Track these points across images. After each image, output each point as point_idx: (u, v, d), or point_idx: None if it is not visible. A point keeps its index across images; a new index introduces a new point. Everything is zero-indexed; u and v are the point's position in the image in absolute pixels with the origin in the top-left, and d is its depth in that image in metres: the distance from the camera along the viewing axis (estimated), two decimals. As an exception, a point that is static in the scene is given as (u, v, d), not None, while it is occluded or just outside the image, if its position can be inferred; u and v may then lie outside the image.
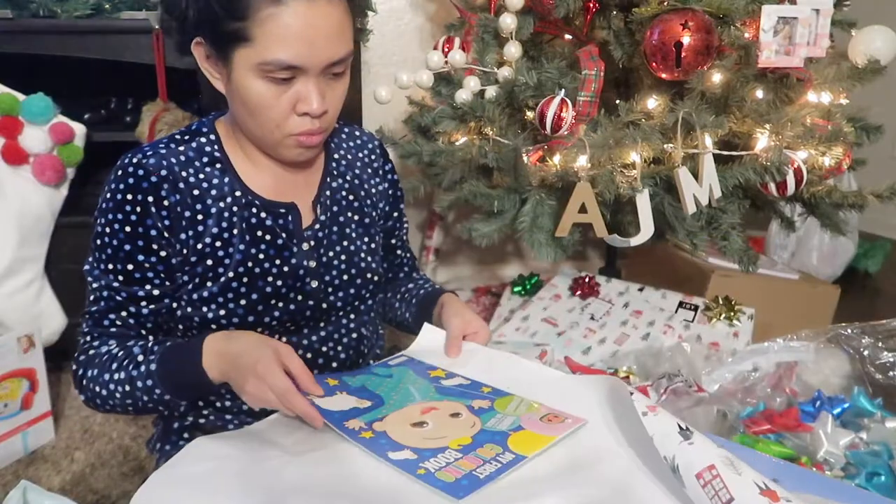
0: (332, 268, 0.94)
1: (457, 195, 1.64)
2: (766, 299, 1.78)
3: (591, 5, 1.63)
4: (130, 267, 0.84)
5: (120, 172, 0.84)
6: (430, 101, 1.77)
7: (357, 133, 1.03)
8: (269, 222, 0.89)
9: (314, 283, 0.92)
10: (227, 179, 0.88)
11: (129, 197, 0.82)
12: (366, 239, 0.98)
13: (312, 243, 0.92)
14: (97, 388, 0.84)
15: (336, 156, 0.98)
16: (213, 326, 0.87)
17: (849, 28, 1.58)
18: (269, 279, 0.89)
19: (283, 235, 0.90)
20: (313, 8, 0.76)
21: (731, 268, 1.79)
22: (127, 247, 0.83)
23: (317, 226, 0.93)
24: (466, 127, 1.64)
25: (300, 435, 0.73)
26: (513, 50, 1.60)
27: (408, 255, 1.14)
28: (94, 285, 0.86)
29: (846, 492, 0.86)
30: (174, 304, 0.88)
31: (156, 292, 0.86)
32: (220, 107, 0.92)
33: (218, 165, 0.88)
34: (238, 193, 0.88)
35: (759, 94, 1.45)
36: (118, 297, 0.85)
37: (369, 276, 0.98)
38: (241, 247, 0.87)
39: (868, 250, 2.68)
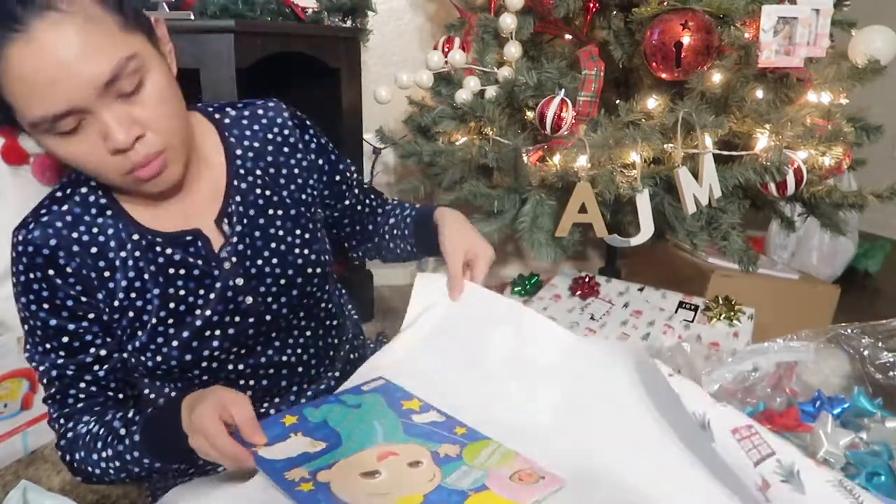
0: (265, 276, 0.86)
1: (457, 195, 1.64)
2: (766, 299, 1.78)
3: (591, 5, 1.63)
4: (66, 339, 0.79)
5: (14, 254, 0.78)
6: (430, 101, 1.77)
7: (261, 112, 0.90)
8: (177, 256, 0.82)
9: (248, 300, 0.85)
10: (121, 225, 0.80)
11: (31, 276, 0.77)
12: (297, 231, 0.89)
13: (234, 259, 0.84)
14: (90, 469, 0.80)
15: (239, 151, 0.87)
16: (158, 372, 0.83)
17: (849, 28, 1.59)
18: (197, 312, 0.82)
19: (199, 263, 0.83)
20: (36, 46, 0.62)
21: (731, 268, 1.79)
22: (53, 322, 0.78)
23: (234, 239, 0.84)
24: (466, 127, 1.64)
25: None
26: (513, 50, 1.60)
27: (372, 197, 1.05)
28: (41, 369, 0.81)
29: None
30: (126, 357, 0.83)
31: (102, 352, 0.81)
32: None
33: (108, 212, 0.80)
34: (136, 236, 0.80)
35: (759, 94, 1.45)
36: (69, 372, 0.80)
37: (311, 270, 0.90)
38: (157, 290, 0.81)
39: (868, 250, 2.68)
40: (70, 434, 0.81)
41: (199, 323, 0.82)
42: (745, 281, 1.78)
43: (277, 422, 0.75)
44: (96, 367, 0.81)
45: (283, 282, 0.87)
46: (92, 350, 0.80)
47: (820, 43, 1.42)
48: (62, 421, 0.82)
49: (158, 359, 0.82)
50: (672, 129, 1.39)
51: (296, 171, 0.90)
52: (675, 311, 1.65)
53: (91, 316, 0.80)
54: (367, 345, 1.11)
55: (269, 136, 0.89)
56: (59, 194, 0.81)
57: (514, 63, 1.59)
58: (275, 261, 0.87)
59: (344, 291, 1.08)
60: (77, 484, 1.38)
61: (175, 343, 0.81)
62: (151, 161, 0.71)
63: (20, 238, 0.77)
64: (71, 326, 0.79)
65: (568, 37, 1.77)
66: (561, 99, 1.40)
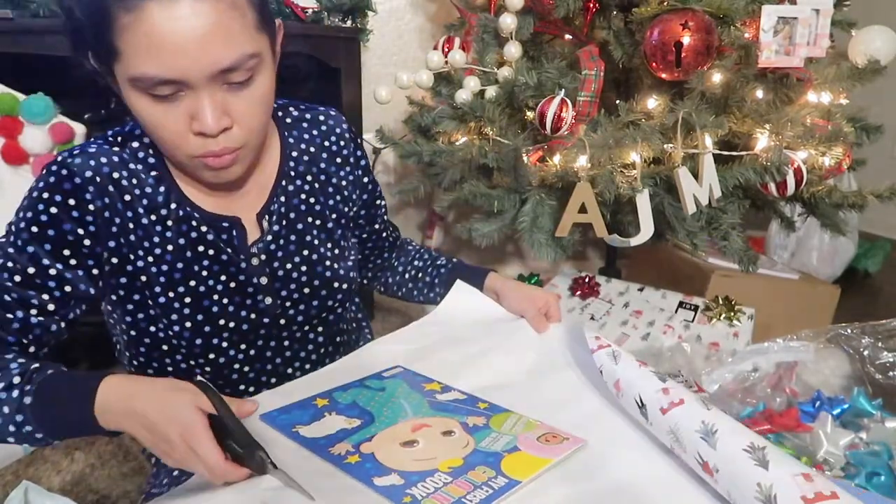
0: (291, 281, 0.85)
1: (457, 195, 1.64)
2: (766, 299, 1.78)
3: (591, 5, 1.63)
4: (31, 270, 0.73)
5: (44, 171, 0.76)
6: (430, 101, 1.77)
7: (322, 118, 0.91)
8: (210, 237, 0.80)
9: (268, 300, 0.84)
10: (162, 189, 0.79)
11: (45, 196, 0.74)
12: (329, 245, 0.90)
13: (263, 257, 0.84)
14: None
15: (294, 153, 0.88)
16: (162, 348, 0.81)
17: (849, 28, 1.59)
18: (215, 297, 0.81)
19: (228, 251, 0.81)
20: (173, 9, 0.63)
21: (731, 268, 1.79)
22: (30, 248, 0.73)
23: (268, 237, 0.84)
24: (466, 127, 1.64)
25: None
26: (513, 50, 1.60)
27: (391, 229, 1.07)
28: None
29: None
30: (62, 325, 0.77)
31: (50, 307, 0.74)
32: None
33: (153, 172, 0.79)
34: (174, 205, 0.79)
35: (759, 94, 1.45)
36: (6, 297, 0.72)
37: (336, 284, 0.89)
38: (180, 265, 0.79)
39: (868, 250, 2.68)
40: None
41: (214, 309, 0.81)
42: (745, 281, 1.78)
43: (310, 403, 0.78)
44: (33, 312, 0.73)
45: (306, 290, 0.87)
46: (44, 296, 0.74)
47: (820, 43, 1.42)
48: None
49: (170, 333, 0.80)
50: (672, 129, 1.39)
51: (343, 183, 0.92)
52: (675, 311, 1.65)
53: (72, 263, 0.75)
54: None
55: (326, 143, 0.90)
56: (111, 137, 0.79)
57: (514, 63, 1.59)
58: (303, 268, 0.87)
59: (363, 313, 1.08)
60: (77, 483, 1.38)
61: (188, 324, 0.80)
62: (225, 154, 0.72)
63: (58, 159, 0.76)
64: (45, 261, 0.73)
65: (568, 37, 1.77)
66: (561, 99, 1.40)
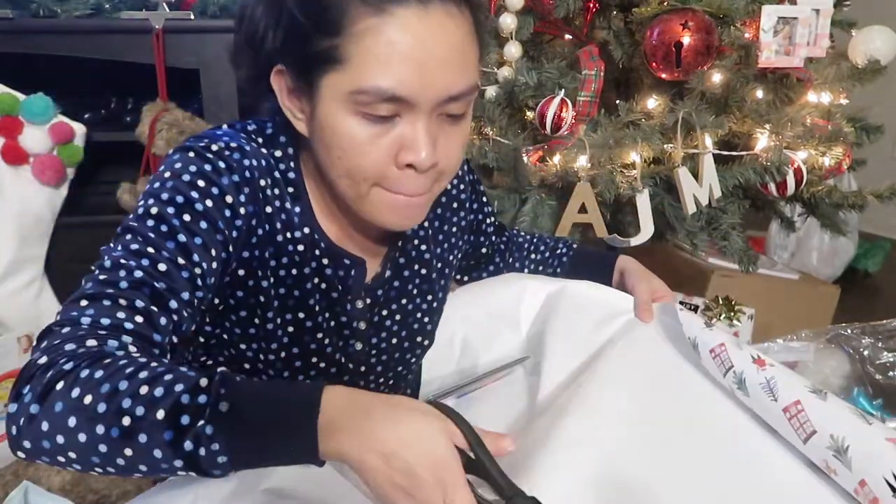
0: (383, 329, 0.80)
1: (457, 195, 1.63)
2: (766, 299, 1.78)
3: (591, 5, 1.63)
4: (181, 260, 0.60)
5: (193, 154, 0.64)
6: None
7: None
8: (328, 271, 0.74)
9: (359, 346, 0.79)
10: (297, 210, 0.71)
11: (202, 184, 0.63)
12: (429, 297, 0.84)
13: (368, 301, 0.78)
14: (62, 427, 0.50)
15: None
16: (247, 366, 0.74)
17: (849, 28, 1.59)
18: (319, 335, 0.75)
19: (339, 289, 0.75)
20: (427, 19, 0.57)
21: (731, 268, 1.79)
22: (183, 238, 0.61)
23: (377, 282, 0.78)
24: (466, 127, 1.64)
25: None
26: (513, 50, 1.60)
27: (499, 236, 1.00)
28: (107, 264, 0.59)
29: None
30: (189, 338, 0.70)
31: (191, 300, 0.61)
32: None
33: (290, 189, 0.71)
34: (307, 230, 0.71)
35: (759, 94, 1.45)
36: (156, 284, 0.58)
37: (419, 339, 0.84)
38: (297, 292, 0.72)
39: (868, 250, 2.68)
40: (69, 365, 0.51)
41: (312, 346, 0.75)
42: (745, 281, 1.78)
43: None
44: (174, 307, 0.59)
45: (394, 341, 0.82)
46: (185, 295, 0.60)
47: (820, 43, 1.42)
48: (69, 345, 0.53)
49: (261, 357, 0.74)
50: (672, 129, 1.39)
51: (454, 229, 0.86)
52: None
53: (214, 265, 0.64)
54: None
55: (449, 187, 0.84)
56: (254, 134, 0.70)
57: (514, 63, 1.58)
58: (397, 317, 0.81)
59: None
60: (77, 483, 1.38)
61: (283, 354, 0.75)
62: (421, 195, 0.65)
63: (213, 147, 0.65)
64: (196, 257, 0.61)
65: (568, 37, 1.76)
66: (561, 99, 1.40)
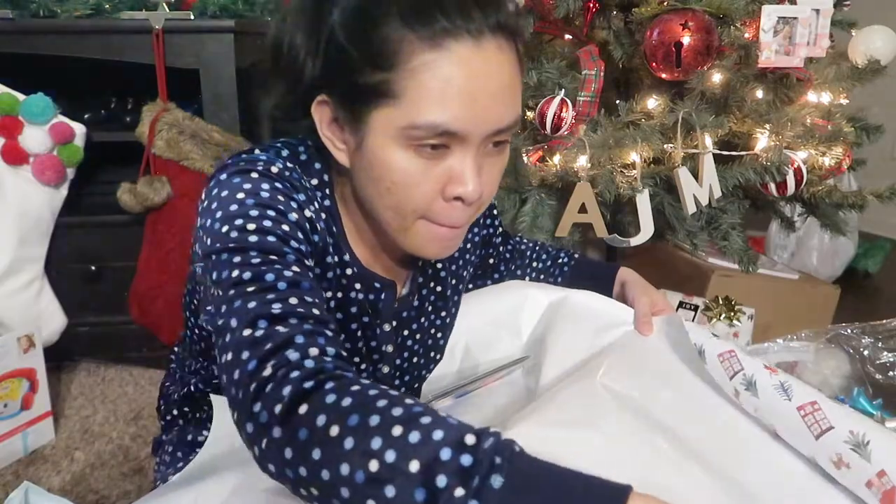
0: (405, 349, 0.81)
1: (457, 195, 1.63)
2: (766, 299, 1.78)
3: (591, 5, 1.63)
4: (307, 285, 0.59)
5: (256, 175, 0.63)
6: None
7: None
8: (360, 296, 0.73)
9: (385, 369, 0.78)
10: (330, 234, 0.70)
11: (282, 198, 0.63)
12: (443, 314, 0.85)
13: (394, 324, 0.78)
14: (314, 438, 0.47)
15: None
16: None
17: (849, 28, 1.59)
18: (356, 359, 0.75)
19: (370, 312, 0.75)
20: (481, 53, 0.57)
21: (731, 268, 1.79)
22: (292, 256, 0.61)
23: (402, 307, 0.79)
24: (466, 127, 1.64)
25: None
26: (513, 50, 1.60)
27: (505, 245, 1.01)
28: (249, 316, 0.55)
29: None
30: None
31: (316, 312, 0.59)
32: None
33: (323, 215, 0.70)
34: (347, 256, 0.71)
35: (759, 94, 1.45)
36: (314, 311, 0.57)
37: (433, 354, 0.85)
38: (340, 315, 0.73)
39: (868, 250, 2.68)
40: (309, 384, 0.49)
41: None
42: (745, 281, 1.78)
43: None
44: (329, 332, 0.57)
45: (415, 360, 0.83)
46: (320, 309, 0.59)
47: (820, 43, 1.42)
48: (293, 354, 0.52)
49: None
50: (672, 129, 1.39)
51: (468, 245, 0.87)
52: (675, 311, 1.65)
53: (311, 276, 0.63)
54: None
55: None
56: (291, 164, 0.68)
57: (514, 63, 1.58)
58: (418, 336, 0.82)
59: None
60: (77, 483, 1.38)
61: None
62: (463, 226, 0.66)
63: (273, 170, 0.65)
64: (311, 274, 0.62)
65: (568, 37, 1.76)
66: (561, 99, 1.40)
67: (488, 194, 0.65)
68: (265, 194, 0.62)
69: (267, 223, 0.60)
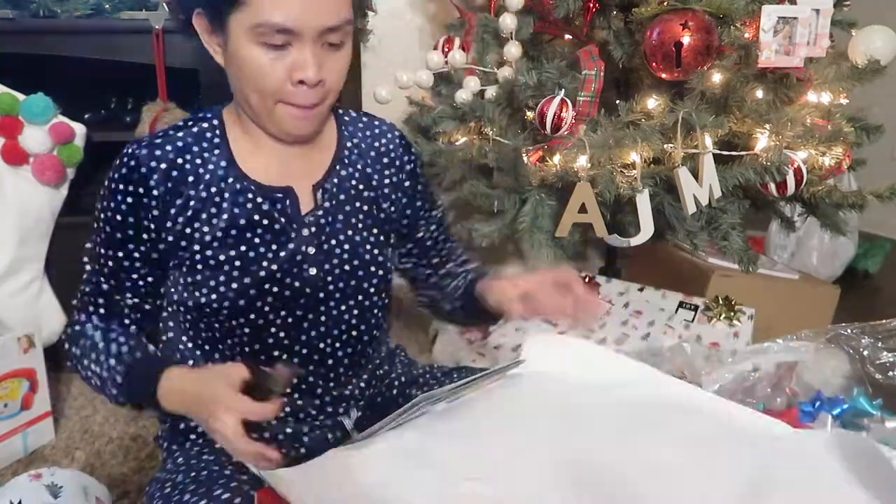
0: (334, 256, 0.91)
1: (457, 195, 1.64)
2: (766, 299, 1.78)
3: (591, 5, 1.63)
4: (121, 254, 0.87)
5: (117, 162, 0.87)
6: (430, 101, 1.77)
7: (376, 123, 1.01)
8: (265, 206, 0.89)
9: (312, 270, 0.90)
10: (223, 164, 0.88)
11: (121, 187, 0.85)
12: (374, 231, 0.96)
13: (314, 229, 0.90)
14: (79, 367, 0.90)
15: (349, 143, 0.97)
16: (207, 310, 0.88)
17: (849, 28, 1.59)
18: (264, 263, 0.88)
19: (282, 220, 0.89)
20: None
21: (731, 268, 1.79)
22: (118, 235, 0.86)
23: (319, 212, 0.91)
24: (466, 127, 1.64)
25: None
26: (513, 50, 1.60)
27: (444, 252, 1.09)
28: (87, 268, 0.90)
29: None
30: (157, 302, 0.92)
31: (140, 283, 0.89)
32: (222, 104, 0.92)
33: (216, 151, 0.89)
34: (231, 179, 0.88)
35: (759, 94, 1.45)
36: (104, 286, 0.89)
37: (373, 268, 0.95)
38: (234, 231, 0.87)
39: (868, 250, 2.68)
40: (77, 327, 0.90)
41: (262, 274, 0.87)
42: (745, 281, 1.78)
43: None
44: (129, 296, 0.89)
45: (346, 267, 0.93)
46: (135, 276, 0.88)
47: (820, 43, 1.42)
48: (76, 315, 0.92)
49: (214, 296, 0.87)
50: (672, 129, 1.39)
51: (386, 181, 0.99)
52: (676, 312, 1.65)
53: (148, 246, 0.87)
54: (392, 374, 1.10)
55: (376, 144, 0.99)
56: (181, 122, 0.91)
57: (514, 63, 1.59)
58: (346, 246, 0.93)
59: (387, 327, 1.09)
60: (77, 484, 1.38)
61: (234, 286, 0.87)
62: (311, 107, 0.83)
63: (129, 151, 0.86)
64: (130, 246, 0.87)
65: (568, 37, 1.77)
66: (561, 99, 1.40)
67: (332, 82, 0.84)
68: (110, 204, 0.86)
69: (102, 216, 0.87)
